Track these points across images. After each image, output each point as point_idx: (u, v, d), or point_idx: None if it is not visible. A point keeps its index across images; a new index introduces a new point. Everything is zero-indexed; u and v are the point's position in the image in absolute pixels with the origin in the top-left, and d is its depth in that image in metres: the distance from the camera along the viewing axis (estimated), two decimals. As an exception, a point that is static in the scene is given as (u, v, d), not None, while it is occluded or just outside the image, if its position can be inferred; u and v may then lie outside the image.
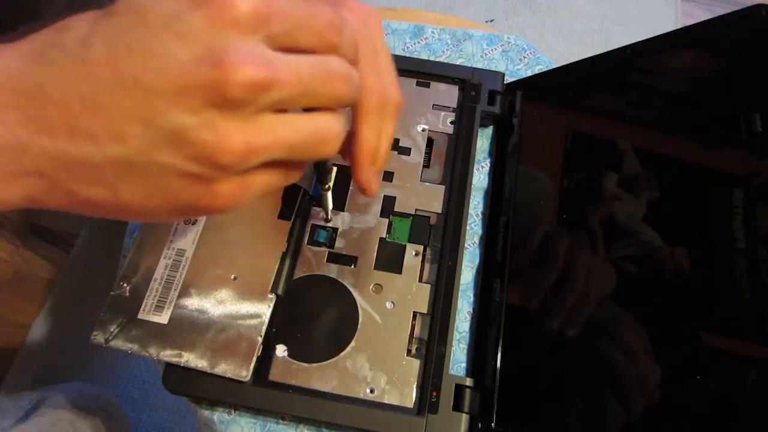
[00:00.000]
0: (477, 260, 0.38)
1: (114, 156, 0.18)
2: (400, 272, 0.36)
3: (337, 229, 0.37)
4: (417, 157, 0.39)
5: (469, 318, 0.37)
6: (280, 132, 0.20)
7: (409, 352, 0.33)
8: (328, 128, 0.21)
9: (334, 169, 0.31)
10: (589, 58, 0.40)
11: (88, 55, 0.18)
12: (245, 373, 0.31)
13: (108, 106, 0.18)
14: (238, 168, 0.19)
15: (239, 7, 0.18)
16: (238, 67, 0.17)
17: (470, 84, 0.42)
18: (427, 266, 0.36)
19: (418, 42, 0.47)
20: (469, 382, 0.33)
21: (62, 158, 0.18)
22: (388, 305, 0.35)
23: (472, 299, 0.37)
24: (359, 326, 0.34)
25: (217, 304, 0.33)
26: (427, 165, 0.39)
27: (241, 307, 0.33)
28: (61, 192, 0.19)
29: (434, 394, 0.32)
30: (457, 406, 0.32)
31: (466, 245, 0.38)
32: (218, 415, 0.34)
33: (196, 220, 0.36)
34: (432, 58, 0.46)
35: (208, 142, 0.18)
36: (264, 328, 0.33)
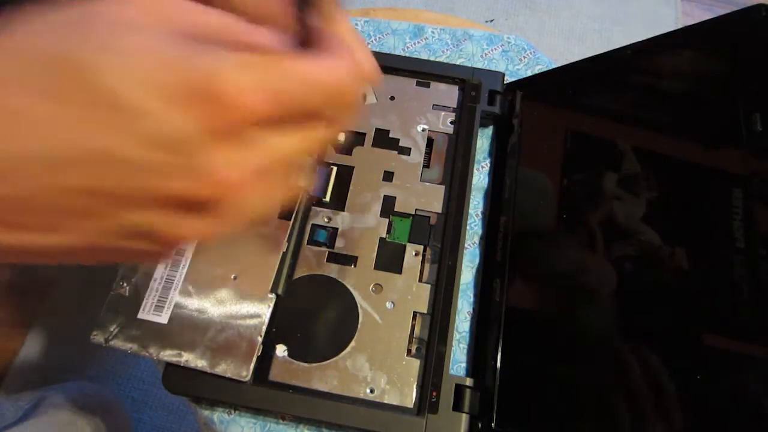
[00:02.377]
0: (477, 260, 0.38)
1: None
2: (400, 272, 0.36)
3: (337, 229, 0.37)
4: (417, 157, 0.39)
5: (469, 318, 0.37)
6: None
7: (409, 352, 0.33)
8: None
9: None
10: (589, 58, 0.40)
11: None
12: (245, 373, 0.31)
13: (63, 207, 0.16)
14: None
15: (237, 113, 0.16)
16: (225, 184, 0.17)
17: (470, 84, 0.42)
18: (427, 266, 0.36)
19: (418, 42, 0.47)
20: (469, 382, 0.33)
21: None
22: (388, 305, 0.35)
23: (472, 299, 0.37)
24: (359, 326, 0.34)
25: (217, 303, 0.33)
26: (427, 165, 0.39)
27: (241, 307, 0.33)
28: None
29: (434, 394, 0.32)
30: (457, 406, 0.32)
31: (466, 245, 0.38)
32: (218, 415, 0.34)
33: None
34: (432, 58, 0.46)
35: (169, 234, 0.18)
36: (264, 328, 0.33)
